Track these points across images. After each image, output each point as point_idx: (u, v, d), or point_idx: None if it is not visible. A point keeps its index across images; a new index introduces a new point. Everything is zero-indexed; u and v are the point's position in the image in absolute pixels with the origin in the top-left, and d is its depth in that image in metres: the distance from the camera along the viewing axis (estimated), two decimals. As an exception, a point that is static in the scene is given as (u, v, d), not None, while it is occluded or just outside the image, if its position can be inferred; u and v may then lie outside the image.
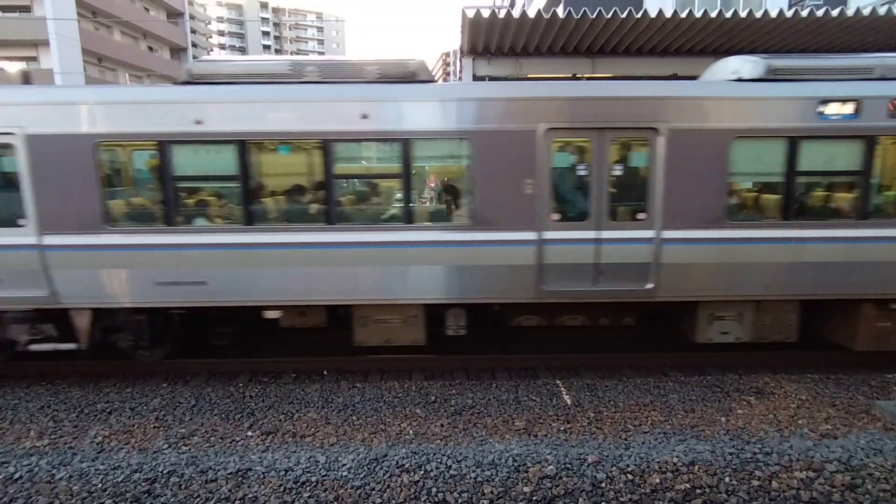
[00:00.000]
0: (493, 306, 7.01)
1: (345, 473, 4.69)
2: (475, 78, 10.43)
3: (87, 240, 6.09)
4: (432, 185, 6.62)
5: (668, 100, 6.04)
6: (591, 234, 6.27)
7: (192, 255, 6.17)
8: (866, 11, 8.67)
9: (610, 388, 6.65)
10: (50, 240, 6.12)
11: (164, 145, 5.98)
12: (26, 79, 6.59)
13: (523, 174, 6.02)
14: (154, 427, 5.92)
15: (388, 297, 6.43)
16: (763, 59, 6.34)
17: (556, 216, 6.21)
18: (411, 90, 6.03)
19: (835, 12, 8.77)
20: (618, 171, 6.24)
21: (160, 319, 6.98)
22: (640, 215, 6.31)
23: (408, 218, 6.16)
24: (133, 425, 5.96)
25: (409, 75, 6.20)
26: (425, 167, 6.35)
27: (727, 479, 4.60)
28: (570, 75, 10.40)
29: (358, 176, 6.54)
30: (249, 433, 5.75)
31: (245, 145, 5.98)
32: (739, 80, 6.33)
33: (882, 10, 8.68)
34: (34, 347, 6.74)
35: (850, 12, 8.76)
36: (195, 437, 5.67)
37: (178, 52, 45.12)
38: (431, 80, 6.24)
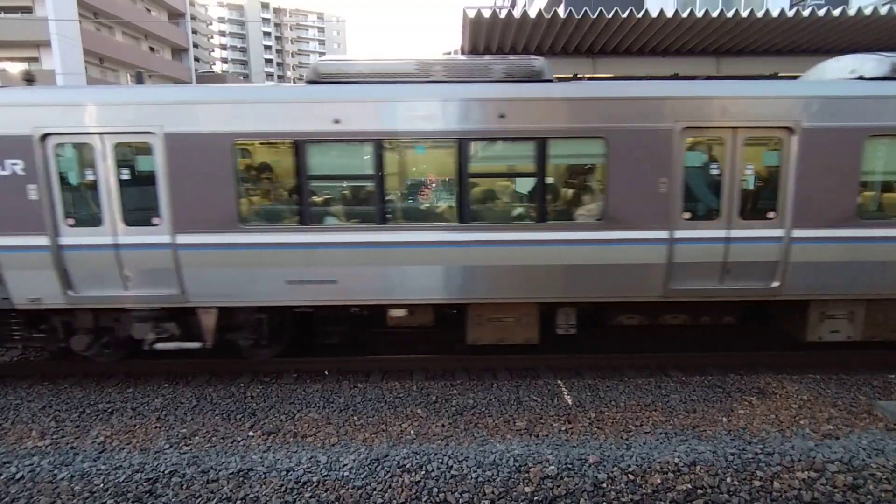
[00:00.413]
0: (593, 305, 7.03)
1: (346, 473, 4.69)
2: None
3: (221, 238, 6.17)
4: (568, 183, 6.60)
5: (802, 99, 6.06)
6: (720, 233, 6.33)
7: (324, 253, 6.23)
8: (868, 11, 8.66)
9: (611, 388, 6.64)
10: (183, 238, 6.19)
11: (300, 144, 6.05)
12: (29, 79, 6.68)
13: (658, 173, 6.08)
14: (156, 427, 5.93)
15: (515, 297, 6.47)
16: (886, 57, 6.37)
17: (686, 215, 6.27)
18: (549, 89, 6.08)
19: (836, 12, 8.76)
20: (750, 170, 6.28)
21: (278, 318, 7.05)
22: (771, 214, 6.35)
23: (541, 217, 6.22)
24: (135, 425, 5.97)
25: (534, 74, 6.26)
26: (559, 166, 6.37)
27: (729, 480, 4.60)
28: (570, 75, 10.40)
29: (492, 175, 6.50)
30: (251, 433, 5.76)
31: (382, 144, 6.05)
32: (860, 78, 6.39)
33: (883, 10, 8.67)
34: (160, 346, 6.82)
35: (851, 12, 8.75)
36: (196, 437, 5.68)
37: (179, 52, 45.19)
38: (552, 80, 6.31)
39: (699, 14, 8.77)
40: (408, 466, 4.76)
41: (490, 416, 6.00)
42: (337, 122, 5.98)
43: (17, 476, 4.74)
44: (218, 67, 79.34)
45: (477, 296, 6.45)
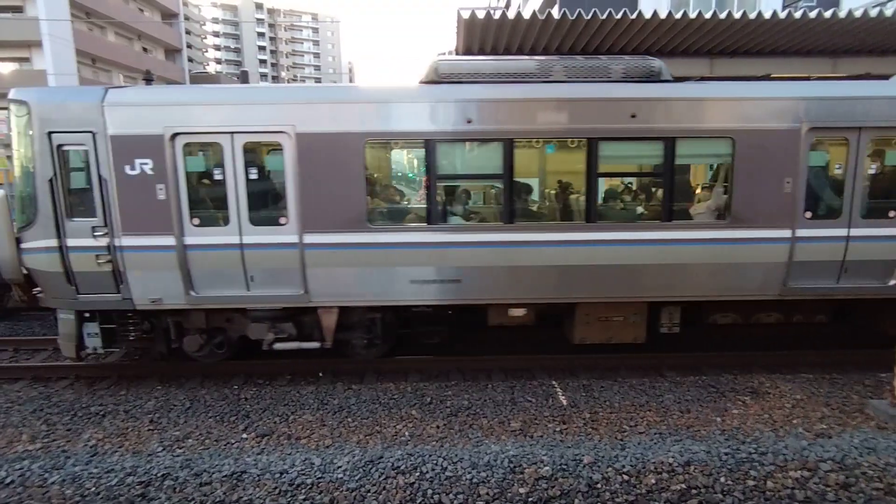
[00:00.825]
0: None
1: (340, 475, 4.68)
2: None
3: (348, 238, 6.26)
4: (694, 183, 6.83)
5: None
6: (841, 232, 6.46)
7: (450, 253, 6.34)
8: (858, 13, 8.72)
9: (606, 388, 6.66)
10: (311, 238, 6.28)
11: (430, 144, 6.15)
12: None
13: (783, 173, 6.22)
14: (148, 430, 5.90)
15: (631, 295, 6.62)
16: None
17: (808, 214, 6.40)
18: (680, 89, 6.25)
19: (827, 14, 8.82)
20: (873, 169, 6.39)
21: (390, 317, 7.12)
22: (892, 213, 6.45)
23: (667, 216, 6.38)
24: (127, 428, 5.94)
25: (653, 74, 6.40)
26: (687, 166, 6.54)
27: (723, 480, 4.62)
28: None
29: (621, 174, 6.75)
30: (244, 435, 5.74)
31: (512, 144, 6.15)
32: None
33: (874, 12, 8.74)
34: (279, 346, 6.89)
35: (842, 14, 8.82)
36: (189, 440, 5.66)
37: (172, 53, 45.02)
38: (671, 80, 6.43)
39: (692, 15, 8.79)
40: (402, 468, 4.76)
41: (485, 416, 6.01)
42: (469, 121, 6.12)
43: (7, 481, 4.70)
44: (212, 68, 79.10)
45: (597, 294, 6.60)
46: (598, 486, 4.55)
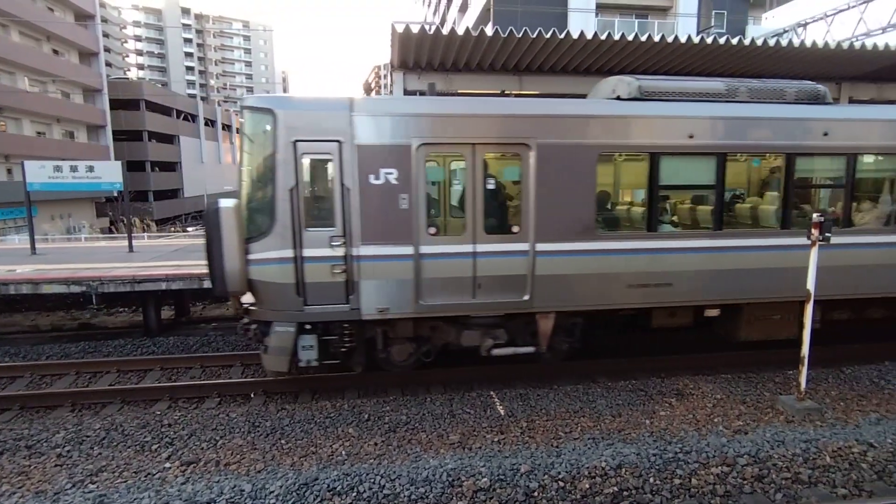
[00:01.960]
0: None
1: (272, 501, 4.49)
2: (406, 92, 10.50)
3: (578, 245, 6.67)
4: (867, 193, 7.57)
5: None
6: None
7: (666, 258, 6.89)
8: (760, 42, 9.58)
9: (542, 396, 6.79)
10: (543, 246, 6.61)
11: (655, 157, 6.74)
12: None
13: None
14: (55, 466, 5.39)
15: (795, 296, 7.16)
16: None
17: None
18: (861, 111, 7.28)
19: (734, 41, 9.63)
20: None
21: (588, 322, 7.41)
22: None
23: (846, 222, 7.33)
24: (29, 466, 5.39)
25: (820, 97, 7.36)
26: (864, 178, 7.42)
27: (652, 480, 4.82)
28: (498, 91, 10.68)
29: (811, 186, 7.48)
30: (167, 464, 5.37)
31: (725, 158, 6.87)
32: None
33: (772, 42, 9.63)
34: (497, 352, 7.02)
35: (746, 42, 9.65)
36: (104, 474, 5.21)
37: (88, 56, 42.24)
38: (832, 103, 7.35)
39: (616, 37, 9.33)
40: (338, 489, 4.62)
41: (423, 431, 5.96)
42: (691, 136, 6.78)
43: None
44: (133, 73, 74.80)
45: (779, 294, 7.25)
46: (535, 494, 4.62)
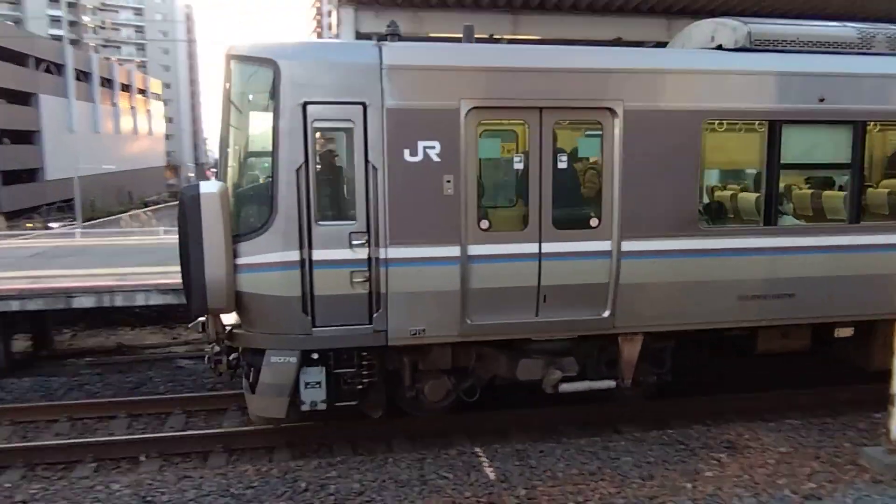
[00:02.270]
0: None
1: None
2: (358, 36, 10.42)
3: (675, 244, 6.71)
4: None
5: None
6: None
7: (788, 260, 6.98)
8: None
9: (546, 452, 6.76)
10: (630, 245, 6.60)
11: (775, 126, 6.79)
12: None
13: None
14: None
15: None
16: None
17: None
18: None
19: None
20: None
21: (677, 346, 7.48)
22: None
23: None
24: None
25: None
26: None
27: (695, 566, 4.86)
28: (486, 36, 10.71)
29: None
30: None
31: (864, 127, 6.97)
32: None
33: None
34: (566, 388, 7.01)
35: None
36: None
37: None
38: None
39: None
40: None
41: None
42: (822, 100, 6.82)
43: None
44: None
45: None
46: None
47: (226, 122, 6.51)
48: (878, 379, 8.09)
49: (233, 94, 6.41)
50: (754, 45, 7.08)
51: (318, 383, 6.54)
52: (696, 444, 6.92)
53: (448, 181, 6.29)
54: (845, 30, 7.36)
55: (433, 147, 6.23)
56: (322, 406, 6.59)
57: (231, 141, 6.42)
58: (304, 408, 6.58)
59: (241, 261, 6.22)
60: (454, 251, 6.39)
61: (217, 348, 6.71)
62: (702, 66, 6.86)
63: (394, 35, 6.60)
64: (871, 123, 7.14)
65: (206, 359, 6.93)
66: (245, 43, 6.28)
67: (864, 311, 7.38)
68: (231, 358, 6.75)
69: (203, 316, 6.38)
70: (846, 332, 7.65)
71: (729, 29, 7.21)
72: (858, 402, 8.14)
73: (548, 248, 6.58)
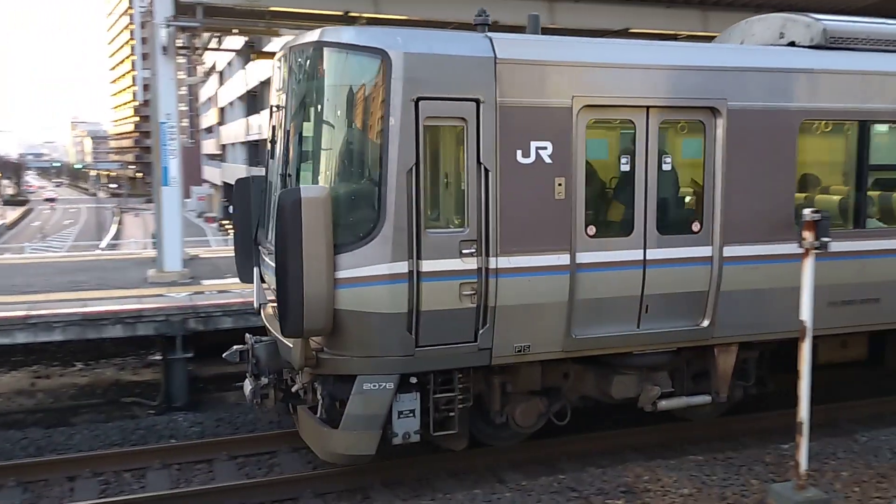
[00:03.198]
0: None
1: None
2: (178, 7, 9.63)
3: (773, 249, 7.03)
4: None
5: None
6: None
7: (874, 264, 7.44)
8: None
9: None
10: (731, 250, 6.92)
11: (865, 127, 7.36)
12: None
13: None
14: None
15: None
16: None
17: None
18: None
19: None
20: None
21: (760, 357, 7.84)
22: None
23: None
24: None
25: None
26: None
27: None
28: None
29: None
30: None
31: None
32: None
33: None
34: (664, 406, 7.17)
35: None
36: None
37: None
38: None
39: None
40: None
41: None
42: None
43: None
44: None
45: None
46: None
47: (305, 119, 6.55)
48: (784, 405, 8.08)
49: (325, 87, 6.33)
50: (830, 43, 7.42)
51: (412, 411, 6.42)
52: (589, 489, 6.61)
53: (560, 184, 6.36)
54: None
55: (545, 148, 6.30)
56: (416, 437, 6.44)
57: (323, 138, 6.37)
58: (397, 440, 6.38)
59: (341, 274, 5.97)
60: (564, 259, 6.47)
61: (265, 380, 6.71)
62: (801, 64, 7.22)
63: (484, 24, 6.57)
64: None
65: (248, 392, 6.77)
66: (345, 30, 6.41)
67: None
68: (293, 388, 6.74)
69: (297, 337, 6.05)
70: None
71: (802, 25, 7.58)
72: (764, 433, 8.05)
73: (653, 254, 6.78)
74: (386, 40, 6.01)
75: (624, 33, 10.99)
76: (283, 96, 6.79)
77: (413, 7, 10.37)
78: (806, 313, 6.05)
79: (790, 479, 6.46)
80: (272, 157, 7.24)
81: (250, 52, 20.68)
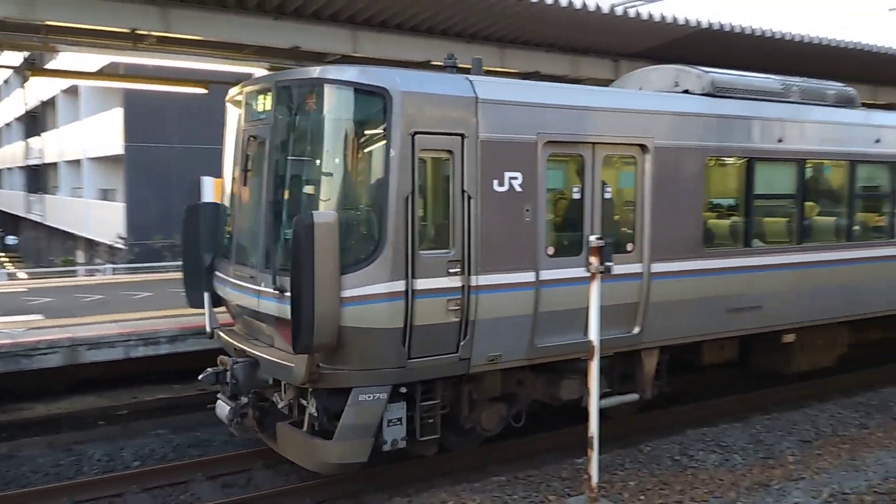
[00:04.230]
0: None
1: None
2: None
3: (687, 265, 8.37)
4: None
5: None
6: None
7: (758, 277, 8.96)
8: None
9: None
10: (657, 266, 8.09)
11: (751, 163, 8.94)
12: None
13: None
14: None
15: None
16: None
17: None
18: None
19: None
20: None
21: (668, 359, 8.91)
22: None
23: (893, 232, 10.51)
24: None
25: (851, 100, 10.35)
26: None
27: None
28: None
29: (869, 194, 10.42)
30: None
31: (804, 164, 9.43)
32: None
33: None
34: (604, 404, 7.43)
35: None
36: None
37: None
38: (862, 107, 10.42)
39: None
40: None
41: None
42: (780, 140, 9.00)
43: None
44: None
45: (857, 311, 10.38)
46: None
47: (304, 150, 7.11)
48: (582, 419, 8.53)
49: (327, 121, 6.96)
50: (717, 93, 8.77)
51: (400, 420, 6.91)
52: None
53: (527, 210, 7.20)
54: (771, 81, 9.57)
55: (517, 178, 7.13)
56: (402, 444, 6.93)
57: (322, 169, 6.93)
58: (386, 447, 6.82)
59: (347, 293, 6.44)
60: (530, 276, 7.24)
61: (244, 399, 7.18)
62: (706, 110, 8.53)
63: (453, 66, 7.57)
64: (808, 161, 9.59)
65: (226, 413, 7.14)
66: (343, 68, 7.04)
67: (801, 319, 9.60)
68: (280, 405, 7.22)
69: (308, 353, 6.40)
70: (790, 338, 9.73)
71: (694, 76, 8.96)
72: (563, 448, 8.42)
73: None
74: (387, 80, 6.65)
75: (426, 65, 11.27)
76: (267, 128, 7.17)
77: (205, 27, 10.01)
78: (593, 333, 6.54)
79: (584, 493, 6.81)
80: (244, 184, 7.62)
81: (29, 69, 18.69)
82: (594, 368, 6.56)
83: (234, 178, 7.95)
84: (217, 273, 7.91)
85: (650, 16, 11.24)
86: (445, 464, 8.00)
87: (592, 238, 6.44)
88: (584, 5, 10.49)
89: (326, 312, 6.28)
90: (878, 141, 10.17)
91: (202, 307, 8.12)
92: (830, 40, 12.74)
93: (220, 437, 8.83)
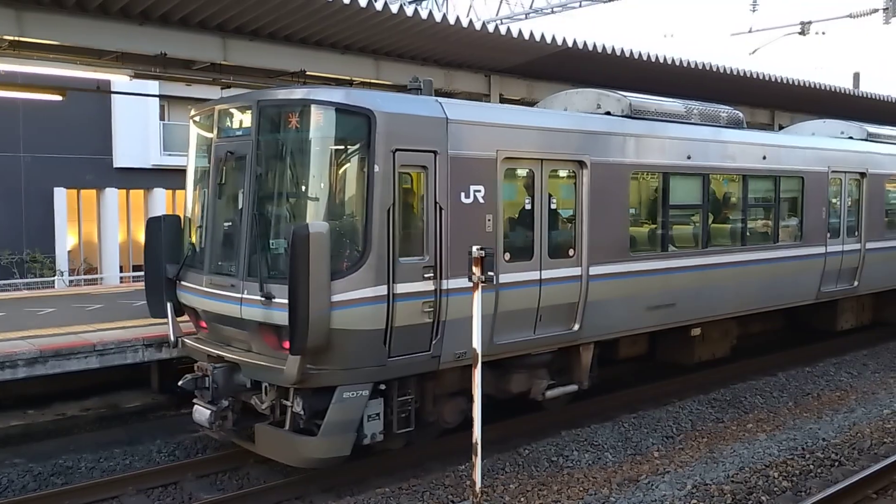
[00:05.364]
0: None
1: None
2: None
3: (617, 268, 9.40)
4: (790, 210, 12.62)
5: None
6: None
7: (673, 278, 10.18)
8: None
9: None
10: (595, 269, 9.02)
11: (666, 177, 10.26)
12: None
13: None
14: None
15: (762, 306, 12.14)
16: None
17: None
18: (798, 140, 13.22)
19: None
20: None
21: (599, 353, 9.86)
22: None
23: (775, 237, 12.07)
24: None
25: (740, 122, 11.89)
26: (795, 198, 12.47)
27: None
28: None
29: (760, 205, 12.16)
30: None
31: (708, 179, 10.91)
32: None
33: (394, 8, 10.77)
34: (550, 395, 9.08)
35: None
36: None
37: None
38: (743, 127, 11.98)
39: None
40: None
41: None
42: (689, 157, 10.40)
43: None
44: None
45: (753, 306, 11.90)
46: None
47: (297, 164, 7.71)
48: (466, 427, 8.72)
49: (313, 139, 7.51)
50: (634, 115, 9.86)
51: (378, 414, 7.48)
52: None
53: (489, 219, 7.95)
54: (676, 105, 10.82)
55: (480, 190, 7.90)
56: (380, 437, 7.51)
57: (310, 182, 7.60)
58: (366, 441, 7.38)
59: (336, 298, 6.96)
60: (492, 280, 7.47)
61: (225, 402, 7.58)
62: (631, 130, 9.66)
63: (417, 88, 8.33)
64: (711, 175, 10.93)
65: (206, 417, 7.46)
66: (330, 90, 7.92)
67: (708, 314, 10.92)
68: (262, 407, 7.49)
69: (302, 354, 6.86)
70: (697, 331, 10.96)
71: (614, 100, 10.08)
72: (445, 455, 8.45)
73: (546, 274, 8.60)
74: (370, 102, 7.34)
75: (301, 75, 11.22)
76: (248, 144, 7.59)
77: (62, 32, 9.56)
78: (476, 340, 6.80)
79: (468, 499, 7.00)
80: (219, 197, 8.00)
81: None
82: (477, 376, 6.82)
83: (203, 192, 8.36)
84: (184, 283, 8.23)
85: (520, 33, 11.67)
86: (328, 480, 7.92)
87: (474, 249, 6.69)
88: (458, 20, 10.81)
89: (320, 315, 6.79)
90: (764, 158, 11.59)
91: (164, 317, 8.47)
92: (674, 59, 13.97)
93: (86, 462, 8.38)
